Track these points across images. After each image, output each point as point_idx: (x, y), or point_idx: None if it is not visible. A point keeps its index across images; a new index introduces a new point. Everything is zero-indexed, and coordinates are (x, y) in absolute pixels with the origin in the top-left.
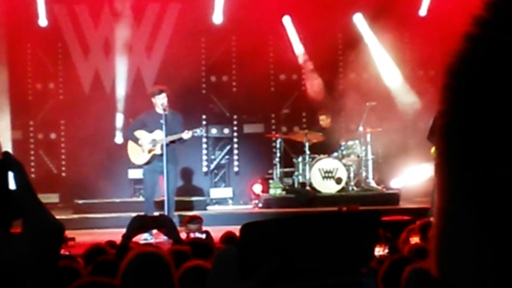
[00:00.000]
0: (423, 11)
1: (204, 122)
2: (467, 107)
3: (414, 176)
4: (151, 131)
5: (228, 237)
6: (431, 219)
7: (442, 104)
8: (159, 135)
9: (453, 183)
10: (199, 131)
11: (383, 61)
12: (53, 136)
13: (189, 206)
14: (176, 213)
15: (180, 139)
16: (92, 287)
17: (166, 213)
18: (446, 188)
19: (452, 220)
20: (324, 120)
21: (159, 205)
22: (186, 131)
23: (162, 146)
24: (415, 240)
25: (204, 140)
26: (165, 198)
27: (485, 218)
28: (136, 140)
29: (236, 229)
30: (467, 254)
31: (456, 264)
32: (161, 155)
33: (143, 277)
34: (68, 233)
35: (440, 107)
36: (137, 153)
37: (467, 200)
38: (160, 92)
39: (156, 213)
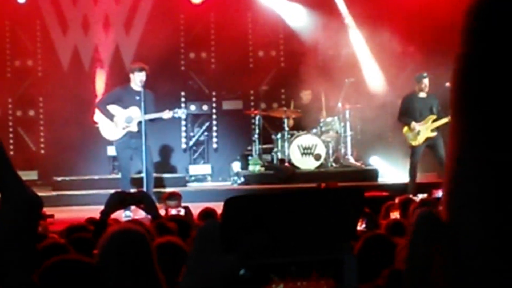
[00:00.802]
0: None
1: (183, 99)
2: (486, 48)
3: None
4: (125, 107)
5: (206, 213)
6: (410, 195)
7: (461, 46)
8: (135, 112)
9: (469, 125)
10: (180, 112)
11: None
12: (31, 113)
13: (168, 183)
14: (155, 190)
15: (159, 118)
16: (66, 264)
17: (144, 189)
18: (461, 131)
19: (464, 163)
20: (307, 95)
21: (137, 182)
22: (167, 111)
23: (137, 123)
24: (395, 215)
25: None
26: (144, 174)
27: (494, 162)
28: (110, 116)
29: (215, 205)
30: (474, 196)
31: (463, 206)
32: (136, 132)
33: (121, 254)
34: (47, 210)
35: (459, 50)
36: (110, 128)
37: (480, 144)
38: (141, 69)
39: (134, 190)
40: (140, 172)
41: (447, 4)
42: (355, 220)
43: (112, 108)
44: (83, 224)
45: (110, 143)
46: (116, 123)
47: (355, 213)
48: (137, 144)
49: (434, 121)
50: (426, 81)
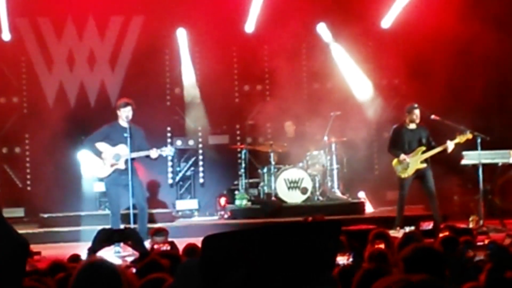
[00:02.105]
0: (386, 24)
1: (169, 134)
2: None
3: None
4: (113, 145)
5: (190, 249)
6: (397, 228)
7: None
8: (123, 149)
9: None
10: (167, 151)
11: (349, 70)
12: (17, 150)
13: (155, 218)
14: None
15: (147, 156)
16: None
17: (132, 225)
18: None
19: None
20: (289, 127)
21: (125, 218)
22: (154, 149)
23: (125, 161)
24: (380, 246)
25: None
26: (138, 210)
27: None
28: (98, 153)
29: (201, 240)
30: None
31: None
32: (125, 169)
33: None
34: (34, 247)
35: None
36: (97, 166)
37: None
38: (126, 105)
39: (122, 226)
40: (129, 208)
41: (431, 37)
42: (334, 251)
43: (101, 145)
44: (64, 263)
45: (97, 179)
46: (104, 161)
47: (333, 245)
48: (127, 181)
49: (423, 152)
50: (417, 112)
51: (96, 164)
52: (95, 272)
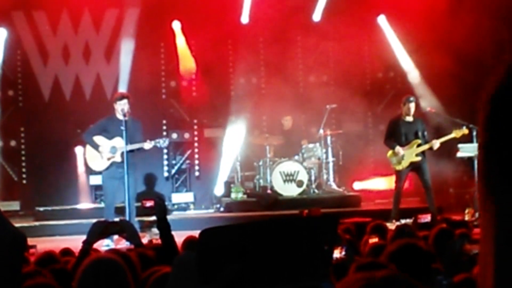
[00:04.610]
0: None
1: (164, 127)
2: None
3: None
4: (111, 138)
5: (190, 241)
6: (393, 221)
7: (480, 136)
8: (119, 142)
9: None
10: (161, 142)
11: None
12: (13, 143)
13: (151, 211)
14: (137, 219)
15: (141, 148)
16: None
17: (127, 218)
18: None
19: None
20: (288, 121)
21: (120, 211)
22: (148, 141)
23: (122, 153)
24: (374, 241)
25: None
26: (126, 204)
27: None
28: (96, 147)
29: (198, 234)
30: None
31: None
32: (121, 162)
33: (98, 283)
34: (30, 241)
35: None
36: (96, 159)
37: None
38: (122, 98)
39: (117, 219)
40: (124, 201)
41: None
42: (331, 246)
43: (98, 139)
44: (55, 255)
45: (92, 172)
46: (101, 154)
47: (331, 239)
48: (122, 174)
49: (419, 145)
50: (411, 105)
51: (94, 157)
52: (101, 269)
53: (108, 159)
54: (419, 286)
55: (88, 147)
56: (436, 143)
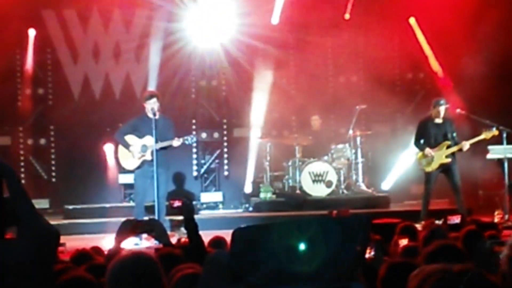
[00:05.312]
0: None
1: (194, 127)
2: None
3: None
4: (141, 136)
5: (215, 241)
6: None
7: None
8: (150, 141)
9: None
10: (190, 139)
11: None
12: (42, 141)
13: (178, 211)
14: (167, 218)
15: (170, 146)
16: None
17: (156, 217)
18: None
19: None
20: (316, 120)
21: (150, 209)
22: (176, 139)
23: (152, 152)
24: (403, 242)
25: (194, 144)
26: (156, 203)
27: None
28: (127, 146)
29: (226, 233)
30: None
31: None
32: (152, 160)
33: (130, 278)
34: None
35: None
36: (127, 158)
37: None
38: (151, 97)
39: (146, 218)
40: (153, 200)
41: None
42: (363, 247)
43: (129, 138)
44: (88, 252)
45: (122, 171)
46: (132, 153)
47: (362, 240)
48: (154, 173)
49: (448, 147)
50: (441, 108)
51: (126, 156)
52: (137, 266)
53: (139, 158)
54: (494, 281)
55: (120, 146)
56: (466, 144)
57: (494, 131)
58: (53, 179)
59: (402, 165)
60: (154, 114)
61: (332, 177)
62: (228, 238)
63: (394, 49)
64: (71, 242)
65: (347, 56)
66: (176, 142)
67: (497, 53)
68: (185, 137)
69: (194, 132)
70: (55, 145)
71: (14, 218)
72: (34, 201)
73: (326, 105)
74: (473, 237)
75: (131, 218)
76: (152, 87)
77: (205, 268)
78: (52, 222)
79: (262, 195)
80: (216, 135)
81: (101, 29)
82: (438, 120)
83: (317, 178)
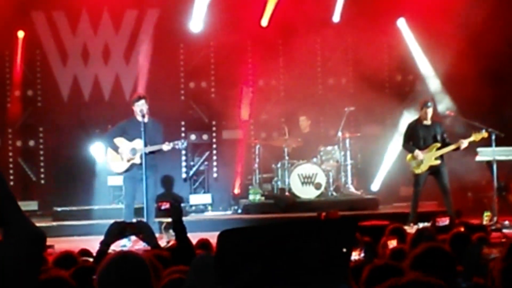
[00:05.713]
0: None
1: (183, 129)
2: None
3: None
4: (131, 139)
5: (202, 244)
6: (411, 224)
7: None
8: (139, 144)
9: None
10: (180, 144)
11: None
12: (31, 143)
13: (167, 214)
14: (156, 220)
15: (160, 150)
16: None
17: (145, 220)
18: None
19: None
20: (304, 121)
21: (138, 212)
22: (166, 143)
23: (141, 155)
24: (393, 243)
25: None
26: (144, 205)
27: None
28: (115, 148)
29: (215, 235)
30: None
31: None
32: (141, 163)
33: (120, 279)
34: (47, 241)
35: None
36: (116, 161)
37: None
38: (139, 98)
39: (135, 220)
40: (142, 202)
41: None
42: (350, 249)
43: (118, 140)
44: (74, 255)
45: (111, 173)
46: (121, 156)
47: (349, 242)
48: (143, 176)
49: (438, 149)
50: (428, 110)
51: (114, 159)
52: (125, 265)
53: (128, 160)
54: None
55: (109, 148)
56: (464, 142)
57: (484, 133)
58: (42, 181)
59: (389, 166)
60: (143, 116)
61: (321, 179)
62: (215, 241)
63: (383, 51)
64: (60, 244)
65: (336, 58)
66: (166, 147)
67: (487, 54)
68: (176, 142)
69: (183, 134)
70: (44, 147)
71: (0, 219)
72: (23, 203)
73: (315, 107)
74: (461, 239)
75: (119, 220)
76: (141, 89)
77: (191, 270)
78: (41, 224)
79: (251, 197)
80: (205, 137)
81: (90, 30)
82: (427, 122)
83: (306, 180)
